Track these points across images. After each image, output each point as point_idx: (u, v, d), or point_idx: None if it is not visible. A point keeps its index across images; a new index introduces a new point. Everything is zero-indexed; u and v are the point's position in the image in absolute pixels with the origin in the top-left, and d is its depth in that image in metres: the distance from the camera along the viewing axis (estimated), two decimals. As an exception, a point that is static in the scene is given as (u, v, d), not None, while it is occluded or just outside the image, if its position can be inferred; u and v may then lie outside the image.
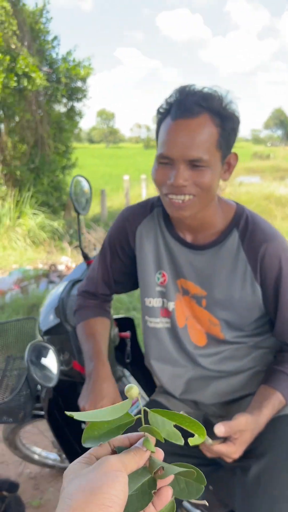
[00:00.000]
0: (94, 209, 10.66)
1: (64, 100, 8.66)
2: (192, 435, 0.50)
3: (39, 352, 1.11)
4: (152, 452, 0.49)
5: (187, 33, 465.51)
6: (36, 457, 2.06)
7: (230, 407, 1.21)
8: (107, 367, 1.18)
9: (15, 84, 6.61)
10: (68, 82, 8.17)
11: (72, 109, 8.82)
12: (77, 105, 8.86)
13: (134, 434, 0.52)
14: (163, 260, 1.21)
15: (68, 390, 1.38)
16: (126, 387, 0.49)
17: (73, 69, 7.99)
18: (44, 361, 1.10)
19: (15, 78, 6.62)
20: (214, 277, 1.15)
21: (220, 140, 1.00)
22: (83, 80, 8.40)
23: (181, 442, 0.48)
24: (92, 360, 1.18)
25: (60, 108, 8.81)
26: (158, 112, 1.08)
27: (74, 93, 8.47)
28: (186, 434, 0.49)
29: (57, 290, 1.51)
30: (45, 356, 1.11)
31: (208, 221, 1.14)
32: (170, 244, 1.19)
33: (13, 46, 6.63)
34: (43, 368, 1.10)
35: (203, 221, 1.13)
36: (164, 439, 0.49)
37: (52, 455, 2.09)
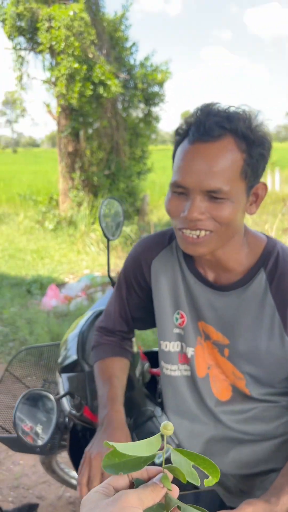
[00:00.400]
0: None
1: (142, 105, 8.69)
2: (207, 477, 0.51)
3: (39, 399, 1.02)
4: (168, 489, 0.50)
5: (276, 29, 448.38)
6: (73, 481, 2.00)
7: (252, 480, 1.03)
8: (121, 415, 1.06)
9: (91, 92, 6.74)
10: (145, 88, 8.17)
11: (149, 114, 8.82)
12: (154, 110, 8.84)
13: (153, 468, 0.52)
14: (181, 299, 1.06)
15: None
16: (163, 424, 0.49)
17: (150, 74, 7.98)
18: (40, 412, 1.01)
19: (91, 87, 6.74)
20: (238, 324, 0.99)
21: (245, 168, 0.87)
22: (160, 84, 8.36)
23: (198, 482, 0.49)
24: (106, 406, 1.06)
25: (138, 113, 8.86)
26: (176, 132, 0.94)
27: (151, 98, 8.45)
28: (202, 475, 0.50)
29: (82, 320, 1.42)
30: (45, 405, 1.02)
31: (231, 259, 0.98)
32: (190, 282, 1.04)
33: (90, 55, 6.77)
34: (39, 420, 1.00)
35: (225, 258, 0.97)
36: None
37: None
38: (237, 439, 1.05)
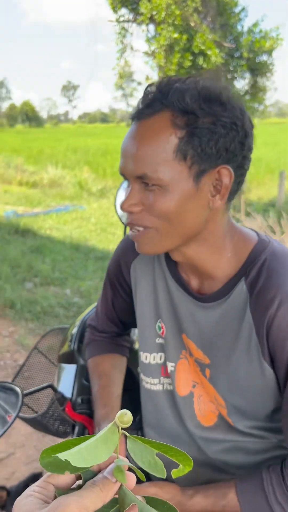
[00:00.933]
0: (271, 191, 9.93)
1: (248, 76, 8.16)
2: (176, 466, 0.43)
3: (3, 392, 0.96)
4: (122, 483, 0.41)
5: None
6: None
7: None
8: (104, 416, 0.98)
9: (190, 63, 6.47)
10: (251, 57, 7.62)
11: (255, 85, 8.25)
12: (261, 81, 8.24)
13: None
14: (162, 307, 0.92)
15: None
16: (119, 413, 0.41)
17: (257, 41, 7.40)
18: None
19: (191, 57, 6.47)
20: (218, 342, 0.82)
21: (182, 148, 0.70)
22: (269, 53, 7.72)
23: (164, 474, 0.41)
24: (103, 407, 0.97)
25: (243, 85, 8.35)
26: None
27: (258, 68, 7.87)
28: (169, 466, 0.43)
29: (91, 307, 1.34)
30: (8, 400, 0.95)
31: (209, 263, 0.81)
32: (171, 288, 0.89)
33: (192, 24, 6.47)
34: None
35: (201, 262, 0.81)
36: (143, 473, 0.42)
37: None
38: (220, 469, 0.89)
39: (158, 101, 0.71)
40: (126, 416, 0.42)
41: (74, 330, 1.31)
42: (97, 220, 7.70)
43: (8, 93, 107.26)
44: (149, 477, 0.89)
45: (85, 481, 0.42)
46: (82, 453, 0.38)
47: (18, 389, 0.93)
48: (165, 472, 0.42)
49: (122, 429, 0.42)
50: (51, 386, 1.04)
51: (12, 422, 0.92)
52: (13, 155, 16.15)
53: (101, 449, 0.39)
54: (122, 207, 0.75)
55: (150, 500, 0.43)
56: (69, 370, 1.17)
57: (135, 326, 1.09)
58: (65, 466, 0.39)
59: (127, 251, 0.98)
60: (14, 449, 2.16)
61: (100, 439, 0.40)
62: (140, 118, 0.73)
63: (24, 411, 1.41)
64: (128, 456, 0.48)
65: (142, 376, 0.97)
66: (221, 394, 0.84)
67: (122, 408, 0.96)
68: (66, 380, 1.16)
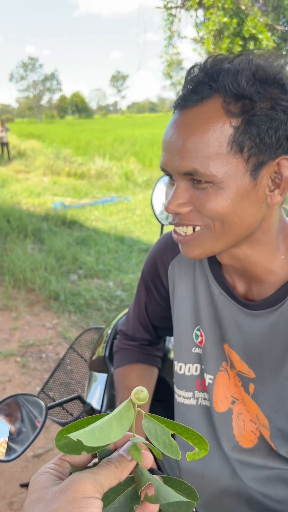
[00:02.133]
0: None
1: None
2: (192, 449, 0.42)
3: (27, 404, 0.92)
4: (139, 461, 0.40)
5: None
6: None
7: None
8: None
9: (240, 48, 6.22)
10: (306, 39, 7.23)
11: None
12: None
13: None
14: (202, 313, 0.83)
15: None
16: (135, 389, 0.40)
17: (313, 23, 7.01)
18: (20, 421, 0.90)
19: (241, 42, 6.21)
20: (267, 354, 0.74)
21: (238, 138, 0.61)
22: None
23: (178, 456, 0.40)
24: None
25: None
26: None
27: (313, 51, 7.46)
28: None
29: (125, 311, 1.28)
30: (31, 412, 0.91)
31: (259, 266, 0.72)
32: (214, 292, 0.81)
33: (243, 7, 6.20)
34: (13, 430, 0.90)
35: (251, 265, 0.72)
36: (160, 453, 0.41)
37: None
38: (257, 501, 0.81)
39: (206, 85, 0.62)
40: (142, 393, 0.41)
41: (109, 332, 1.25)
42: (142, 212, 7.65)
43: (58, 84, 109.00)
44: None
45: (100, 460, 0.41)
46: (95, 432, 0.37)
47: (42, 403, 0.89)
48: (180, 454, 0.40)
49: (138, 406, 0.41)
50: (78, 398, 0.99)
51: (38, 433, 0.88)
52: (62, 146, 16.42)
53: (115, 427, 0.38)
54: (167, 208, 0.67)
55: (167, 480, 0.41)
56: (100, 380, 1.12)
57: (169, 334, 1.02)
58: (81, 447, 0.39)
59: (165, 249, 0.90)
60: (52, 445, 2.16)
61: (114, 417, 0.39)
62: (185, 105, 0.64)
63: (58, 413, 1.38)
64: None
65: (175, 388, 0.90)
66: (265, 413, 0.75)
67: None
68: (95, 390, 1.10)
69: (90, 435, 0.37)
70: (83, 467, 0.42)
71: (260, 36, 6.06)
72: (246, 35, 6.16)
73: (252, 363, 0.76)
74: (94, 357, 1.21)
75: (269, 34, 6.15)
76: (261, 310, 0.73)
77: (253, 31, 6.09)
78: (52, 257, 4.89)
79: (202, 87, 0.62)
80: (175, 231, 0.70)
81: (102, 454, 0.41)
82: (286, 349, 0.71)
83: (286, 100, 0.61)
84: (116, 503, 0.39)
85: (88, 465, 0.42)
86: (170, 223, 0.70)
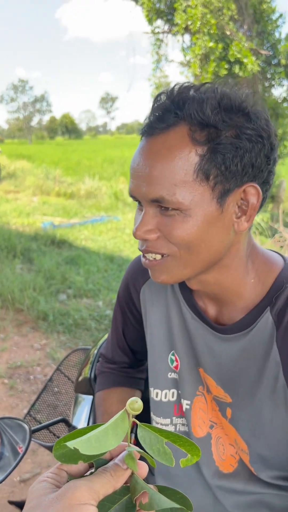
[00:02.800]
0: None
1: (286, 83, 7.95)
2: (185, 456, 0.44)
3: (9, 429, 0.90)
4: (134, 470, 0.42)
5: None
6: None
7: None
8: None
9: (226, 72, 6.38)
10: (289, 63, 7.43)
11: (293, 92, 8.03)
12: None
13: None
14: (176, 337, 0.83)
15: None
16: (130, 400, 0.42)
17: (295, 48, 7.21)
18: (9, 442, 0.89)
19: (227, 66, 6.37)
20: (240, 378, 0.74)
21: (204, 166, 0.62)
22: (309, 58, 7.50)
23: (172, 463, 0.42)
24: None
25: (281, 93, 8.15)
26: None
27: (297, 75, 7.66)
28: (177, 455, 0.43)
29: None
30: (14, 436, 0.89)
31: (229, 290, 0.72)
32: (186, 316, 0.81)
33: (228, 33, 6.38)
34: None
35: (220, 289, 0.73)
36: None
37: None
38: None
39: (172, 112, 0.63)
40: (137, 404, 0.42)
41: (95, 352, 1.25)
42: (131, 231, 7.67)
43: (48, 106, 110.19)
44: None
45: (97, 469, 0.42)
46: (91, 441, 0.39)
47: (26, 426, 0.88)
48: (174, 461, 0.42)
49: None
50: (63, 421, 0.98)
51: (21, 459, 0.86)
52: (52, 166, 16.51)
53: (111, 437, 0.40)
54: (135, 234, 0.67)
55: (162, 489, 0.43)
56: (86, 402, 1.11)
57: (146, 358, 1.02)
58: (78, 456, 0.41)
59: (137, 273, 0.90)
60: (40, 469, 2.12)
61: (110, 426, 0.41)
62: (152, 133, 0.64)
63: (44, 437, 1.36)
64: (138, 444, 0.47)
65: (152, 415, 0.89)
66: (243, 438, 0.75)
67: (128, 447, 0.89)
68: (81, 413, 1.09)
69: (87, 443, 0.38)
70: (80, 476, 0.43)
71: (245, 60, 6.23)
72: (232, 59, 6.33)
73: (228, 387, 0.76)
74: (80, 379, 1.20)
75: (254, 58, 6.33)
76: (232, 334, 0.73)
77: (238, 56, 6.26)
78: (41, 277, 4.87)
79: (168, 115, 0.63)
80: (144, 256, 0.70)
81: (98, 463, 0.43)
82: (259, 373, 0.71)
83: (250, 128, 0.62)
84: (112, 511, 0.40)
85: (85, 475, 0.43)
86: (139, 249, 0.70)
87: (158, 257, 0.68)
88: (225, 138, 0.61)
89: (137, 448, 0.43)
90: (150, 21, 7.06)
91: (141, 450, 0.43)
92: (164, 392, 0.86)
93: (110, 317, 3.94)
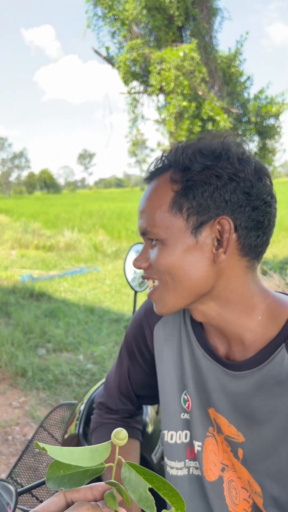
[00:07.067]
0: (286, 249, 9.84)
1: (256, 139, 8.38)
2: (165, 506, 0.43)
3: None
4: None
5: None
6: None
7: None
8: None
9: (199, 129, 6.70)
10: (259, 121, 7.87)
11: (264, 147, 8.45)
12: (270, 143, 8.45)
13: (99, 486, 0.43)
14: (187, 377, 0.82)
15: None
16: (115, 430, 0.42)
17: (264, 107, 7.68)
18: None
19: (200, 123, 6.70)
20: (255, 417, 0.72)
21: (178, 201, 0.70)
22: (276, 116, 7.98)
23: (154, 511, 0.40)
24: None
25: (252, 148, 8.57)
26: None
27: (266, 131, 8.10)
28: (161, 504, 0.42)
29: (98, 385, 1.22)
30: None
31: (235, 325, 0.74)
32: (197, 354, 0.81)
33: (200, 93, 6.77)
34: None
35: (224, 323, 0.75)
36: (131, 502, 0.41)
37: None
38: None
39: (164, 162, 0.75)
40: (121, 433, 0.41)
41: (81, 408, 1.19)
42: (111, 281, 7.65)
43: (27, 162, 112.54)
44: None
45: None
46: (63, 450, 0.40)
47: (11, 488, 0.81)
48: (155, 509, 0.40)
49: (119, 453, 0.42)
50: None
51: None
52: (30, 220, 16.60)
53: (86, 456, 0.40)
54: (133, 263, 0.77)
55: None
56: None
57: (150, 403, 0.98)
58: (64, 482, 0.41)
59: (151, 311, 0.91)
60: None
61: (90, 448, 0.41)
62: (151, 178, 0.77)
63: (27, 501, 1.26)
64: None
65: (166, 460, 0.85)
66: (256, 480, 0.72)
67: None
68: None
69: (58, 450, 0.39)
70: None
71: (217, 118, 6.57)
72: (205, 117, 6.67)
73: (241, 426, 0.74)
74: (66, 436, 1.13)
75: (225, 116, 6.69)
76: (244, 371, 0.73)
77: (211, 114, 6.61)
78: (19, 331, 4.73)
79: (162, 164, 0.75)
80: (149, 289, 0.78)
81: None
82: (274, 410, 0.69)
83: (220, 167, 0.69)
84: None
85: None
86: (142, 277, 0.79)
87: (156, 283, 0.75)
88: (196, 176, 0.69)
89: (119, 485, 0.42)
90: (126, 83, 7.44)
91: (122, 487, 0.41)
92: (178, 433, 0.84)
93: (91, 372, 3.82)
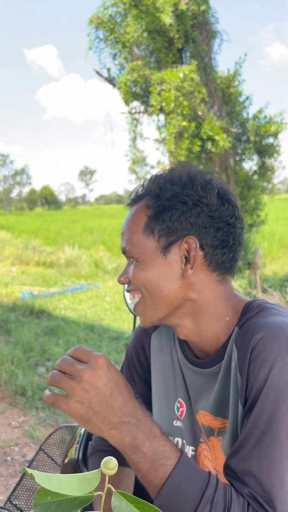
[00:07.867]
0: (286, 266, 9.86)
1: (255, 158, 8.48)
2: None
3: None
4: None
5: None
6: None
7: None
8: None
9: (199, 148, 6.78)
10: (258, 140, 7.97)
11: (263, 166, 8.54)
12: (269, 161, 8.54)
13: None
14: (178, 384, 0.91)
15: None
16: (104, 459, 0.42)
17: (262, 126, 7.79)
18: None
19: (199, 143, 6.78)
20: (229, 403, 0.80)
21: (150, 223, 0.81)
22: (275, 135, 8.08)
23: None
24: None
25: (251, 166, 8.66)
26: None
27: (265, 150, 8.20)
28: None
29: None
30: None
31: (209, 339, 0.85)
32: (181, 362, 0.92)
33: (200, 113, 6.87)
34: None
35: (202, 339, 0.85)
36: None
37: None
38: None
39: (142, 190, 0.86)
40: (111, 462, 0.42)
41: (81, 431, 1.20)
42: (112, 299, 7.65)
43: (28, 178, 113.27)
44: None
45: None
46: (51, 478, 0.39)
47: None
48: None
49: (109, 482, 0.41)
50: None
51: None
52: (31, 236, 16.66)
53: (74, 485, 0.40)
54: (117, 279, 0.87)
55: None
56: None
57: None
58: (52, 509, 0.40)
59: None
60: None
61: (78, 476, 0.40)
62: (130, 205, 0.87)
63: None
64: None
65: None
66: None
67: None
68: None
69: (46, 477, 0.38)
70: None
71: (217, 137, 6.66)
72: (204, 137, 6.76)
73: (222, 412, 0.81)
74: (66, 460, 1.13)
75: (225, 135, 6.78)
76: (211, 368, 0.83)
77: (210, 133, 6.70)
78: (19, 349, 4.73)
79: (140, 191, 0.86)
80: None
81: None
82: (236, 395, 0.76)
83: (185, 194, 0.78)
84: None
85: None
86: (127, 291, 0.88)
87: (137, 297, 0.84)
88: (165, 202, 0.79)
89: None
90: (127, 103, 7.55)
91: None
92: (174, 440, 0.89)
93: (91, 390, 3.81)
